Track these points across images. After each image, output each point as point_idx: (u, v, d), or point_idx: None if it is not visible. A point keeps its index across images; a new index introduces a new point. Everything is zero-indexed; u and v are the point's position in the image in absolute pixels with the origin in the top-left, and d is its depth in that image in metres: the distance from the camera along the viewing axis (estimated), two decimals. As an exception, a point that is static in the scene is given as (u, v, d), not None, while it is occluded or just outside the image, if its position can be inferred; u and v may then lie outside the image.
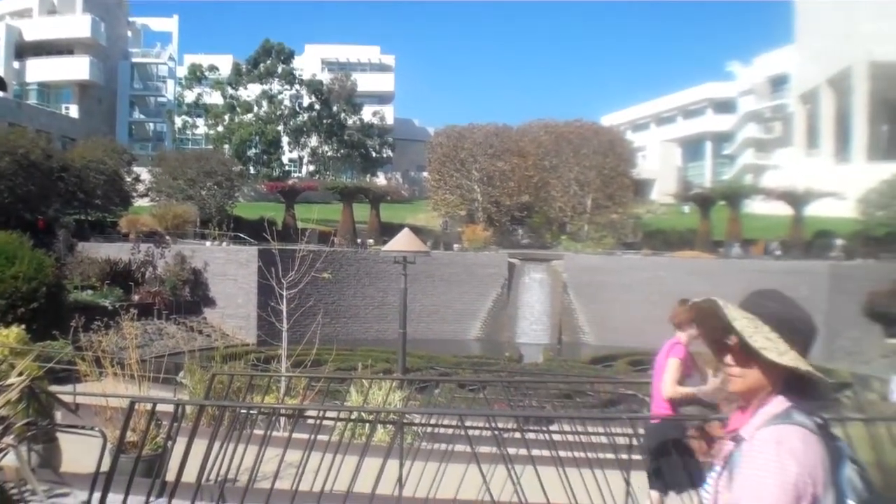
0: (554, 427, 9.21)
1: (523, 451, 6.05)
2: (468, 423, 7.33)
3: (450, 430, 8.09)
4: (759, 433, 2.14)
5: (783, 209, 45.80)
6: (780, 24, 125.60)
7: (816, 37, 70.30)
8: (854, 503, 2.12)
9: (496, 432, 6.03)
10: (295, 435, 6.12)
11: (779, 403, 2.20)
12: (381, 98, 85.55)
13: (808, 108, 75.10)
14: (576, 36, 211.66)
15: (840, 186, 46.69)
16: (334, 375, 14.40)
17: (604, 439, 7.43)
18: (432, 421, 8.61)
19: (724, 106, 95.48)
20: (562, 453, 6.22)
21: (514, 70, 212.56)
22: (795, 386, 2.22)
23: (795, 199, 43.68)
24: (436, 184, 48.44)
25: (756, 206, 54.88)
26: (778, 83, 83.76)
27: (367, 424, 8.55)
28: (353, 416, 8.59)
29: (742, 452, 2.16)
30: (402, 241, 16.07)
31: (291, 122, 77.03)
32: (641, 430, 9.37)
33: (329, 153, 78.71)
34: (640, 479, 6.04)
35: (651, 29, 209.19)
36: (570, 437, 7.64)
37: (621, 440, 7.39)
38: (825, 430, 2.17)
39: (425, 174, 56.68)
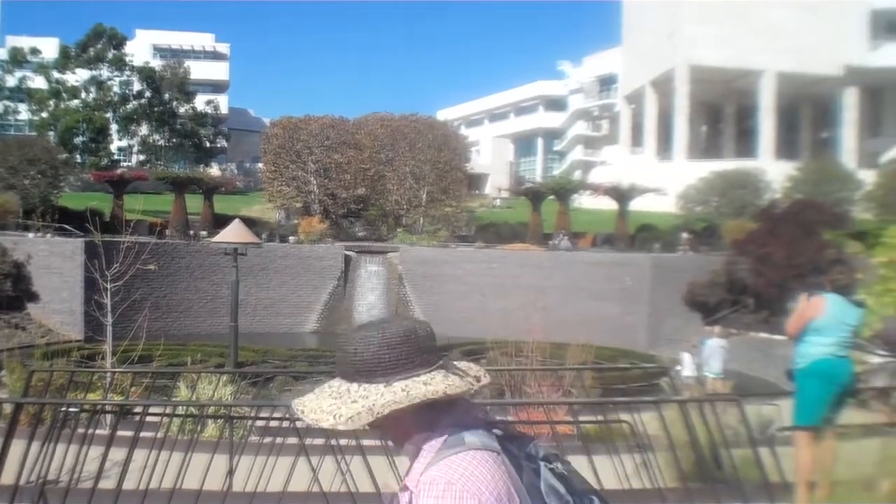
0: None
1: (355, 442, 6.12)
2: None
3: (283, 424, 8.07)
4: (423, 477, 1.77)
5: (609, 204, 47.55)
6: (609, 25, 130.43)
7: (641, 39, 73.44)
8: None
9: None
10: (121, 433, 5.99)
11: (439, 434, 1.82)
12: (215, 87, 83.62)
13: (634, 108, 78.33)
14: (412, 31, 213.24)
15: (662, 183, 49.00)
16: (161, 370, 14.07)
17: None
18: (263, 414, 8.58)
19: (555, 104, 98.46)
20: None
21: (350, 63, 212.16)
22: (446, 405, 1.86)
23: (621, 195, 45.44)
24: (271, 175, 47.72)
25: (584, 201, 56.84)
26: (606, 83, 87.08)
27: (196, 420, 8.42)
28: (178, 412, 8.44)
29: None
30: (233, 233, 15.85)
31: (121, 110, 74.17)
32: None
33: (160, 142, 76.20)
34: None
35: (485, 27, 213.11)
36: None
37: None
38: (508, 439, 1.89)
39: (260, 165, 55.68)
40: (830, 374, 6.87)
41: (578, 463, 5.93)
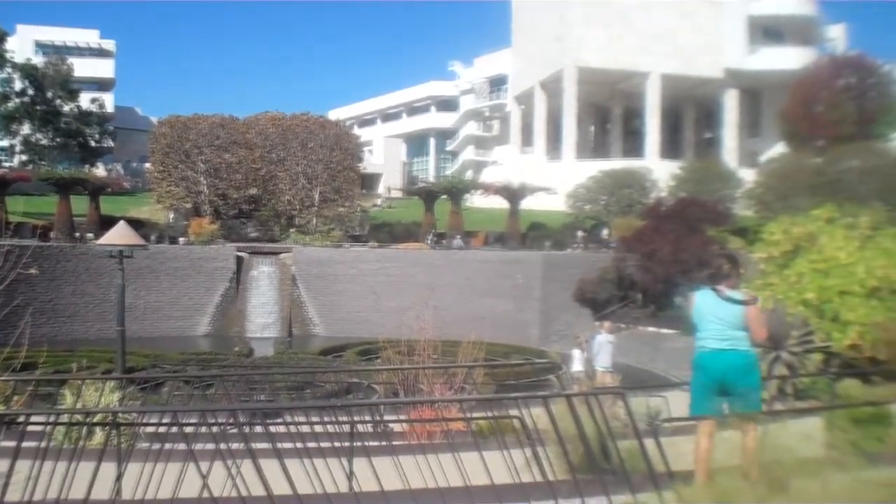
0: (287, 418, 9.27)
1: (259, 445, 6.08)
2: (192, 420, 7.26)
3: (173, 429, 7.94)
4: None
5: (501, 203, 48.10)
6: (499, 27, 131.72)
7: (530, 41, 74.49)
8: None
9: (214, 428, 6.00)
10: (3, 443, 5.82)
11: None
12: (101, 84, 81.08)
13: (524, 109, 79.32)
14: (302, 30, 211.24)
15: (552, 182, 49.83)
16: (46, 377, 13.65)
17: (330, 428, 7.59)
18: (153, 420, 8.43)
19: (447, 104, 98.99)
20: (287, 445, 6.31)
21: (241, 61, 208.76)
22: None
23: (512, 194, 46.00)
24: (159, 175, 46.65)
25: (476, 200, 57.34)
26: (496, 84, 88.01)
27: (83, 428, 8.21)
28: (63, 420, 8.22)
29: None
30: (118, 235, 15.46)
31: (2, 108, 71.26)
32: (367, 417, 9.63)
33: (44, 142, 73.38)
34: (361, 466, 6.25)
35: (376, 27, 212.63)
36: (303, 429, 7.74)
37: (345, 428, 7.61)
38: None
39: (148, 165, 54.30)
40: (704, 367, 7.19)
41: (471, 458, 6.04)
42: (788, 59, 63.38)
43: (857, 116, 45.80)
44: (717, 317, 7.12)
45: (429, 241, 43.08)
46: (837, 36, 72.66)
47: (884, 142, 41.71)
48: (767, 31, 69.41)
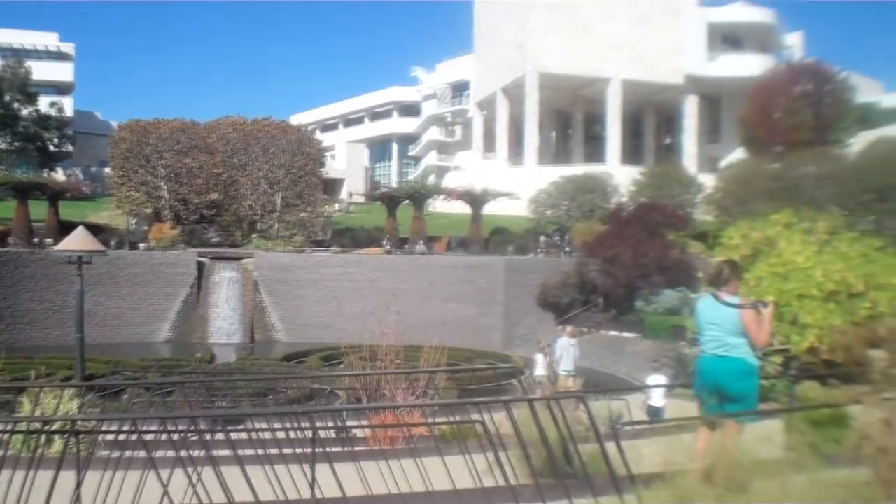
0: (250, 425, 9.23)
1: (220, 452, 6.05)
2: (153, 427, 7.21)
3: (133, 437, 7.88)
4: None
5: (464, 208, 48.19)
6: (461, 33, 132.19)
7: (492, 48, 74.77)
8: None
9: (175, 435, 5.97)
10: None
11: None
12: (60, 88, 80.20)
13: (486, 114, 79.55)
14: (264, 34, 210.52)
15: (514, 187, 50.03)
16: (3, 385, 13.48)
17: (291, 434, 7.57)
18: (112, 428, 8.35)
19: (409, 109, 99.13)
20: (248, 452, 6.30)
21: (202, 65, 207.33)
22: None
23: (474, 199, 46.10)
24: (119, 180, 46.13)
25: (439, 205, 57.42)
26: (458, 89, 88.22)
27: (41, 436, 8.12)
28: (20, 428, 8.13)
29: None
30: (76, 240, 15.33)
31: (-42, 112, 70.20)
32: (329, 423, 9.62)
33: (2, 146, 72.30)
34: (323, 472, 6.24)
35: (339, 32, 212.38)
36: (265, 435, 7.71)
37: (308, 434, 7.59)
38: None
39: (108, 170, 53.69)
40: (700, 372, 7.48)
41: (433, 464, 6.06)
42: (747, 65, 64.20)
43: (813, 122, 46.45)
44: (715, 322, 7.30)
45: (385, 246, 43.03)
46: (795, 43, 73.82)
47: (840, 147, 42.32)
48: (726, 38, 70.32)
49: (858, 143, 41.86)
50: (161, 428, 6.59)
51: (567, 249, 41.96)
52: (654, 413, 16.23)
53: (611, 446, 6.39)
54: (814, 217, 23.07)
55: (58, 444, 9.64)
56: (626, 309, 32.94)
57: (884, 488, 5.16)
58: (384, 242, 43.64)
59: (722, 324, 7.26)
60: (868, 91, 62.33)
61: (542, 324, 34.26)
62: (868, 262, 19.73)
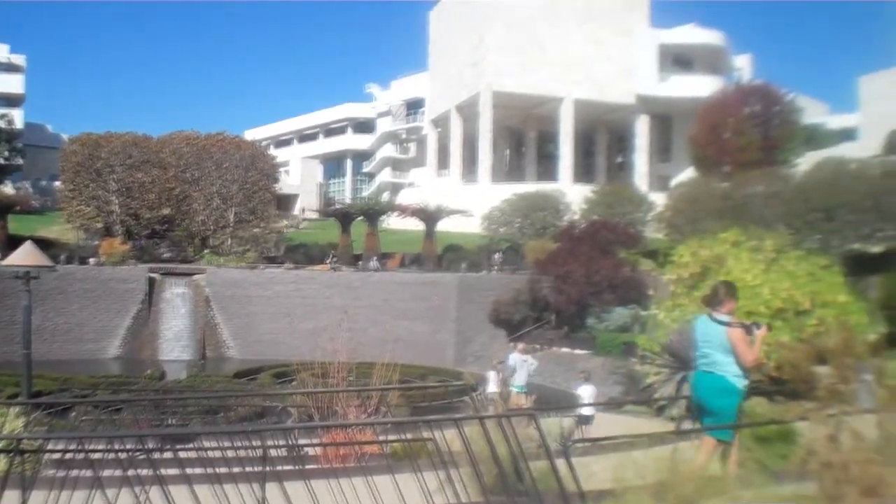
0: (199, 443, 9.15)
1: (168, 471, 6.02)
2: (100, 446, 7.14)
3: (80, 456, 7.79)
4: None
5: (417, 225, 48.29)
6: (416, 51, 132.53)
7: (447, 66, 75.14)
8: None
9: (122, 454, 5.93)
10: None
11: None
12: (10, 100, 79.03)
13: (440, 132, 79.84)
14: (218, 49, 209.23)
15: (468, 205, 50.25)
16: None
17: (241, 453, 7.54)
18: (59, 446, 8.25)
19: (364, 126, 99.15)
20: (198, 471, 6.27)
21: (155, 79, 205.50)
22: None
23: (428, 216, 46.20)
24: (70, 194, 45.56)
25: (392, 222, 57.46)
26: (413, 106, 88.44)
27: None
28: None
29: None
30: (24, 255, 15.08)
31: None
32: (280, 441, 9.58)
33: (-51, 159, 71.17)
34: (273, 491, 6.24)
35: (293, 48, 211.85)
36: (215, 454, 7.67)
37: (258, 452, 7.56)
38: None
39: (58, 184, 53.01)
40: (691, 388, 7.90)
41: (384, 482, 6.08)
42: (697, 86, 65.29)
43: (762, 143, 47.31)
44: (706, 340, 7.49)
45: (329, 263, 42.89)
46: (744, 65, 75.28)
47: (787, 167, 43.08)
48: (677, 59, 71.51)
49: (805, 163, 42.63)
50: (108, 447, 6.54)
51: (507, 268, 42.12)
52: (584, 421, 16.38)
53: (562, 463, 6.45)
54: (761, 236, 23.40)
55: (2, 463, 9.50)
56: (578, 326, 33.17)
57: (829, 503, 5.29)
58: (327, 260, 43.57)
59: (711, 341, 7.46)
60: (814, 112, 63.76)
61: (495, 341, 34.39)
62: (814, 281, 20.05)
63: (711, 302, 7.69)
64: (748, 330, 7.48)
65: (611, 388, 26.13)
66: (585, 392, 18.88)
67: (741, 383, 7.48)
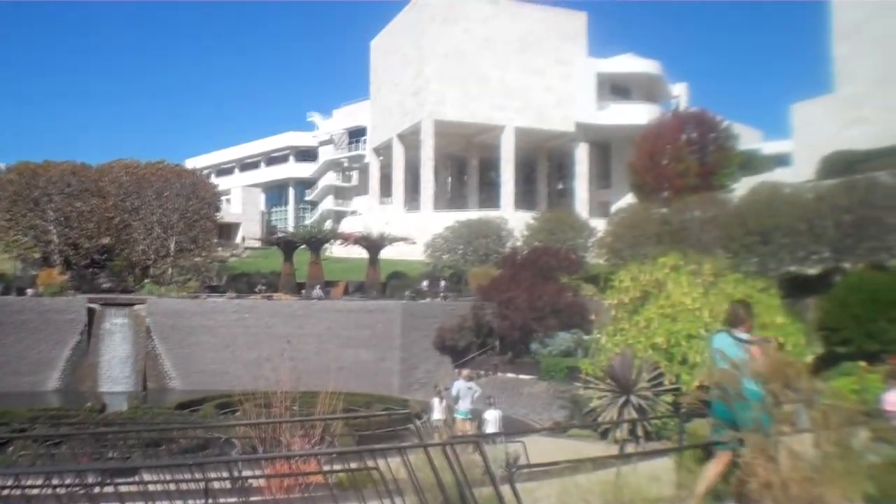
0: (139, 477, 9.07)
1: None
2: (39, 482, 7.09)
3: (16, 492, 7.70)
4: None
5: (360, 253, 48.27)
6: (358, 79, 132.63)
7: (389, 94, 75.54)
8: None
9: (60, 489, 5.91)
10: None
11: None
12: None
13: (382, 160, 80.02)
14: (159, 77, 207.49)
15: (411, 232, 50.39)
16: None
17: (184, 486, 7.52)
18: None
19: (306, 154, 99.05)
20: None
21: (94, 107, 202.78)
22: None
23: (371, 244, 46.24)
24: (6, 224, 44.73)
25: (336, 250, 57.32)
26: (355, 135, 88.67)
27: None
28: None
29: None
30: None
31: None
32: (224, 473, 9.55)
33: None
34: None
35: (237, 75, 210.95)
36: (157, 487, 7.63)
37: (201, 485, 7.54)
38: None
39: (-7, 213, 52.08)
40: (712, 407, 7.91)
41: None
42: (635, 114, 66.57)
43: (699, 169, 48.20)
44: (723, 360, 7.76)
45: (259, 291, 42.73)
46: (680, 93, 77.00)
47: (724, 192, 43.88)
48: (615, 87, 72.82)
49: (741, 188, 43.42)
50: (47, 482, 6.50)
51: (443, 295, 42.34)
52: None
53: (506, 489, 6.56)
54: (700, 260, 23.92)
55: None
56: (522, 351, 33.35)
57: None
58: (257, 288, 43.39)
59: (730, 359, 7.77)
60: (749, 139, 65.30)
61: (440, 367, 34.45)
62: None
63: (733, 322, 8.00)
64: (764, 345, 7.87)
65: (556, 413, 26.38)
66: (491, 416, 19.34)
67: (761, 395, 7.80)
